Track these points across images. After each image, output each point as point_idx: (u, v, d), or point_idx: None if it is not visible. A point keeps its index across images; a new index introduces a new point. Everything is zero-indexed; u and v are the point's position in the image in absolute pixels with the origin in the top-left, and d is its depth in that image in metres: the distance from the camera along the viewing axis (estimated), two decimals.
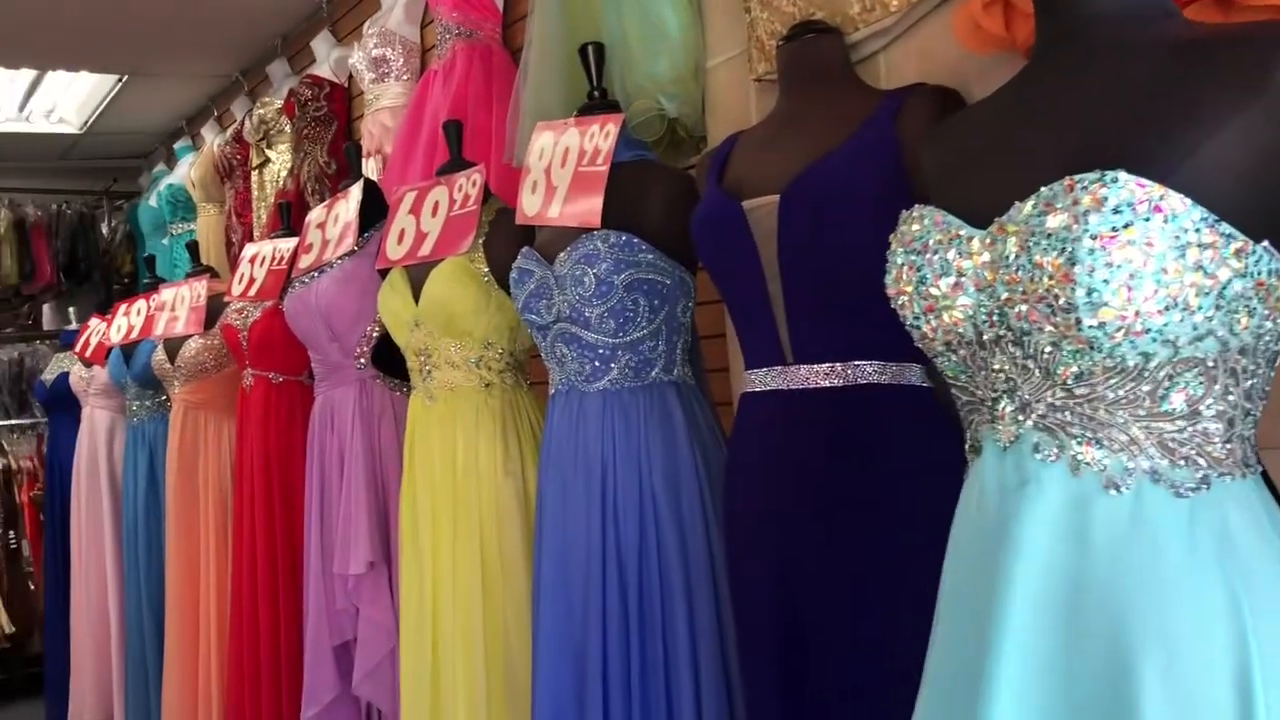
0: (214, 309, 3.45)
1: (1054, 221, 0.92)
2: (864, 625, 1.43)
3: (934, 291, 1.01)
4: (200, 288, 3.51)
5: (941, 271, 1.01)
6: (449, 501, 2.15)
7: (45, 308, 7.20)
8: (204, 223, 5.16)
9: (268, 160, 4.59)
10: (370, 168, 3.51)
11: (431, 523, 2.17)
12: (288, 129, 4.39)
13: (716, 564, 1.77)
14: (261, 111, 4.52)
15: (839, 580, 1.45)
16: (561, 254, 1.85)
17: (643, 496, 1.77)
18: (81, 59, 4.75)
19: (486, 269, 2.17)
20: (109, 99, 5.30)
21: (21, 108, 5.45)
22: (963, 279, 0.99)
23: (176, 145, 5.74)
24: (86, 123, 5.70)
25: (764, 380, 1.51)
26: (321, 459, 2.61)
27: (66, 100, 5.42)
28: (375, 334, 2.55)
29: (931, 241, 1.03)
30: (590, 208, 1.82)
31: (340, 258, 2.59)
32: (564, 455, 1.87)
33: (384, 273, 2.41)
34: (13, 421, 6.08)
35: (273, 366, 3.02)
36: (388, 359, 2.57)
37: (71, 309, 5.41)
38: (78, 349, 4.47)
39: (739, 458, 1.59)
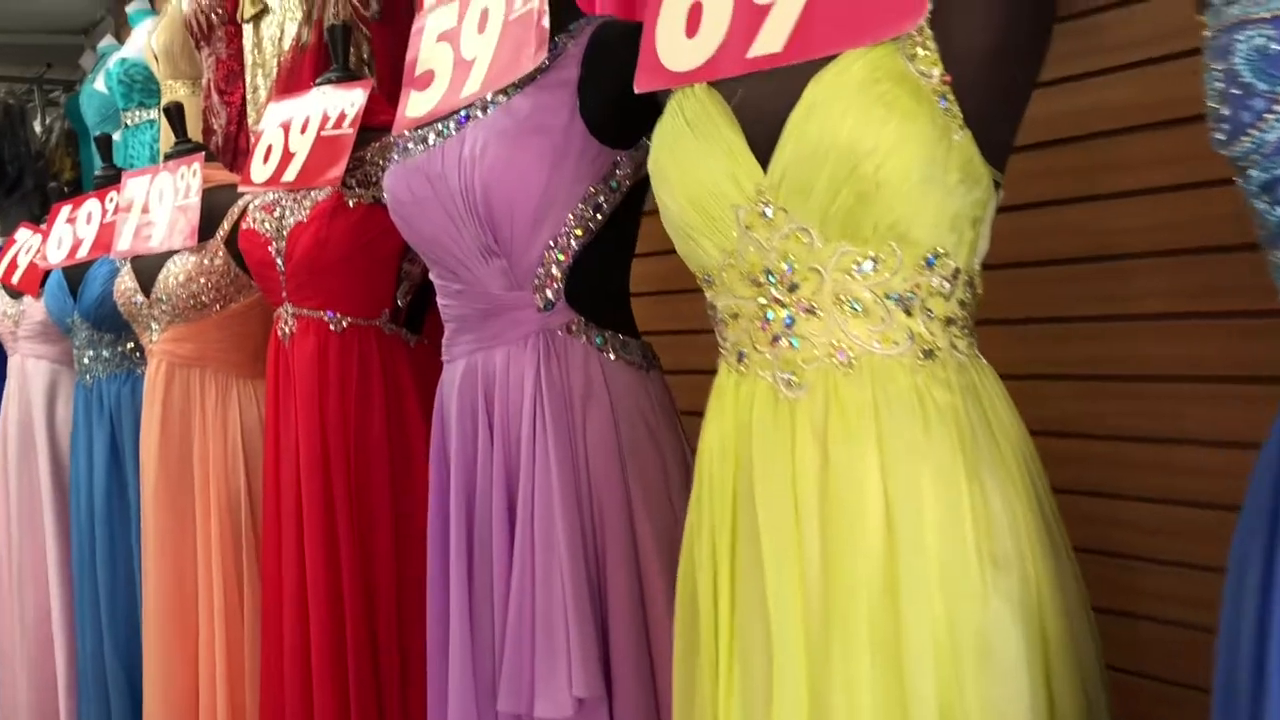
0: (213, 208, 2.20)
1: None
2: None
3: None
4: (190, 176, 2.25)
5: None
6: (855, 610, 0.94)
7: None
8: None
9: (265, 9, 3.34)
10: None
11: (803, 642, 0.96)
12: None
13: None
14: None
15: None
16: None
17: None
18: None
19: (938, 73, 0.94)
20: None
21: None
22: None
23: (130, 8, 4.54)
24: None
25: None
26: (466, 478, 1.37)
27: None
28: (577, 239, 1.31)
29: None
30: None
31: (505, 91, 1.33)
32: None
33: (626, 109, 1.17)
34: None
35: (330, 301, 1.78)
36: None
37: None
38: (1, 273, 3.23)
39: None
